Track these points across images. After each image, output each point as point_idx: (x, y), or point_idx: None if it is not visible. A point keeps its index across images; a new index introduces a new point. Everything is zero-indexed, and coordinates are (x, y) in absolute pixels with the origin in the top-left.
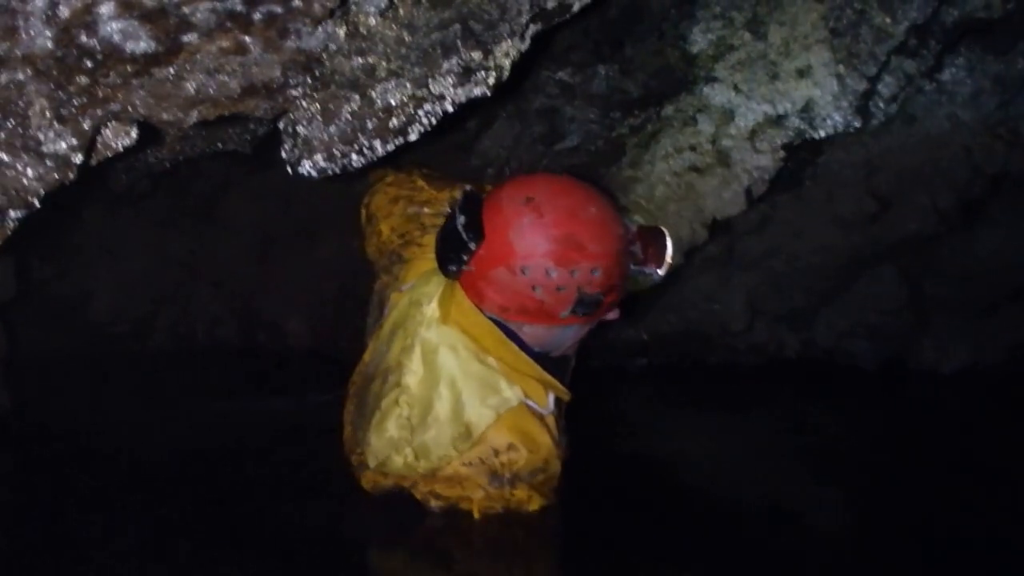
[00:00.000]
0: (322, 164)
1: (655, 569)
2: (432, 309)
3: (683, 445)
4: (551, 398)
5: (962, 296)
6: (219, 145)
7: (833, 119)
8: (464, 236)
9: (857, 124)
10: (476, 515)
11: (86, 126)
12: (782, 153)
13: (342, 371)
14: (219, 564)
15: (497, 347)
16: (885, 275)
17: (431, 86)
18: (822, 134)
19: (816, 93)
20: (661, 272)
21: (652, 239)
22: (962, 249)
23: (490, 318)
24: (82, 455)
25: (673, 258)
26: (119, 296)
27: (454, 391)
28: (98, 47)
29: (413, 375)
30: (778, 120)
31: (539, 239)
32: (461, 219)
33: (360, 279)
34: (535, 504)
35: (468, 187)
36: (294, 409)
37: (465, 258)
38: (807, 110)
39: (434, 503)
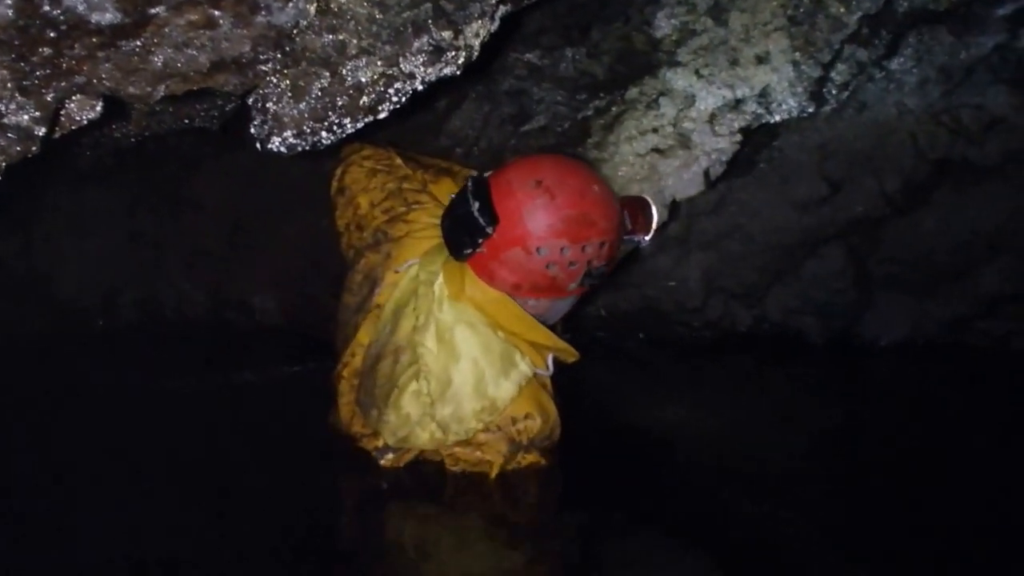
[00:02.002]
0: (292, 141)
1: (644, 526)
2: (441, 287)
3: (646, 415)
4: (550, 360)
5: (904, 275)
6: (187, 122)
7: (788, 104)
8: (481, 221)
9: (811, 109)
10: (492, 476)
11: (49, 99)
12: (739, 136)
13: (310, 346)
14: (226, 537)
15: (513, 321)
16: (833, 254)
17: (401, 64)
18: (778, 118)
19: (773, 79)
20: (647, 239)
21: (639, 208)
22: (906, 231)
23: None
24: (47, 431)
25: (657, 224)
26: (85, 272)
27: (476, 367)
28: (62, 17)
29: (429, 352)
30: (737, 104)
31: (554, 220)
32: (475, 204)
33: (330, 256)
34: (541, 465)
35: (475, 172)
36: (262, 382)
37: (480, 242)
38: (764, 95)
39: (456, 467)
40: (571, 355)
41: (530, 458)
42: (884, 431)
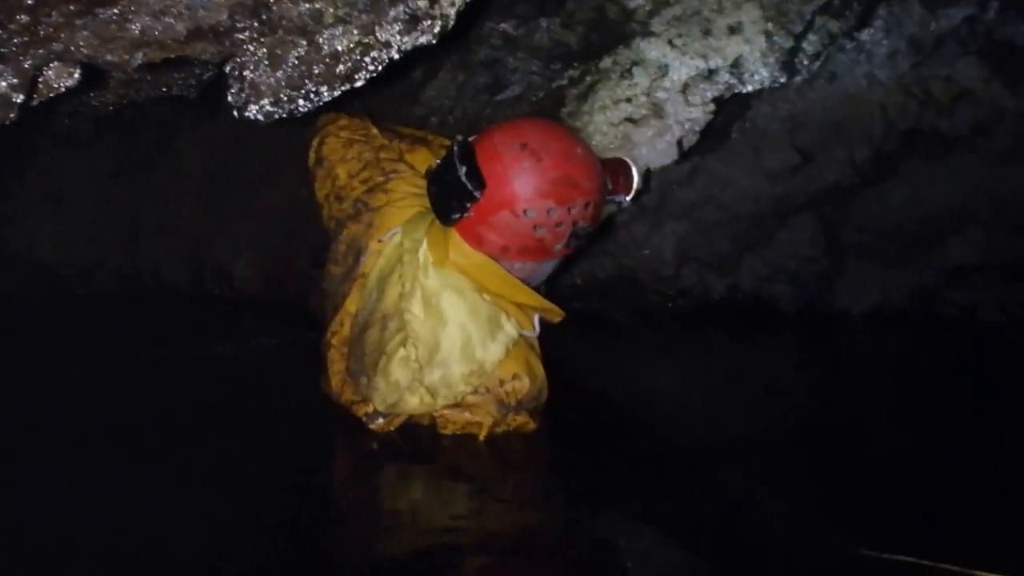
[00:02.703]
0: (269, 108)
1: (626, 492)
2: (425, 254)
3: (622, 383)
4: (536, 321)
5: (874, 244)
6: (165, 90)
7: (760, 74)
8: (468, 185)
9: (783, 80)
10: (481, 438)
11: (27, 66)
12: (712, 106)
13: (290, 317)
14: (213, 504)
15: (499, 283)
16: (805, 224)
17: (378, 33)
18: (750, 88)
19: (746, 49)
20: (628, 199)
21: (620, 169)
22: (876, 201)
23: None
24: (26, 398)
25: (639, 185)
26: (64, 240)
27: (464, 331)
28: None
29: (416, 318)
30: (709, 75)
31: (540, 182)
32: (463, 169)
33: (309, 225)
34: (530, 427)
35: (459, 137)
36: (240, 354)
37: (468, 206)
38: (737, 65)
39: (447, 430)
40: (556, 314)
41: (520, 420)
42: (854, 397)
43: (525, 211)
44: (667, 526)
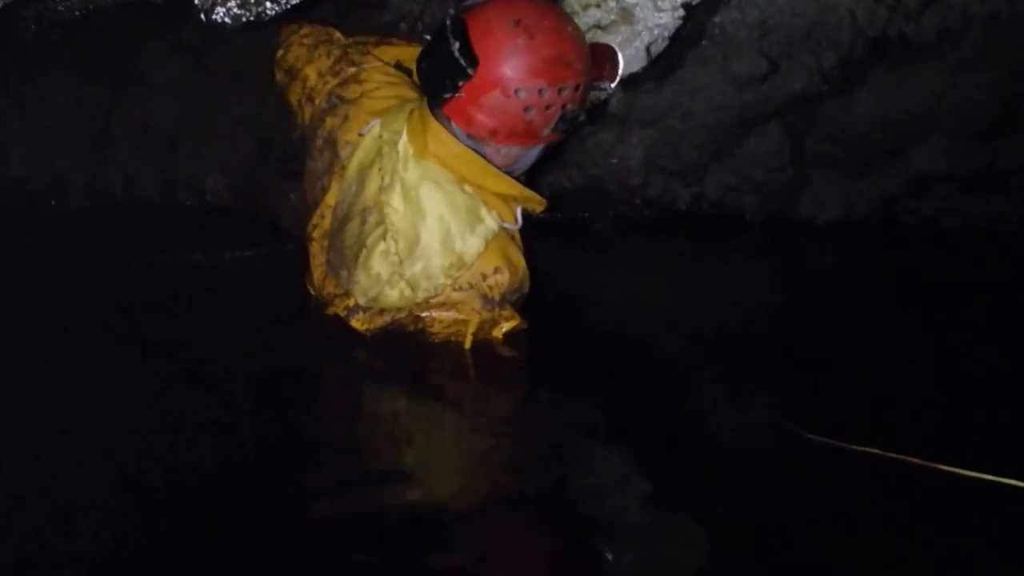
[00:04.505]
0: (236, 11)
1: (605, 400)
2: (405, 146)
3: (592, 291)
4: (519, 213)
5: (839, 154)
6: None
7: None
8: (461, 62)
9: None
10: (467, 344)
11: None
12: (682, 12)
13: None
14: (210, 407)
15: (478, 174)
16: (771, 133)
17: None
18: None
19: None
20: (613, 86)
21: (605, 55)
22: (842, 110)
23: (466, 144)
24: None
25: (622, 72)
26: (34, 153)
27: (443, 224)
28: None
29: (395, 211)
30: None
31: (534, 60)
32: (456, 44)
33: (278, 136)
34: (516, 322)
35: (451, 11)
36: (218, 263)
37: (460, 84)
38: None
39: (433, 330)
40: (539, 203)
41: (507, 315)
42: (816, 303)
43: (517, 91)
44: (643, 435)
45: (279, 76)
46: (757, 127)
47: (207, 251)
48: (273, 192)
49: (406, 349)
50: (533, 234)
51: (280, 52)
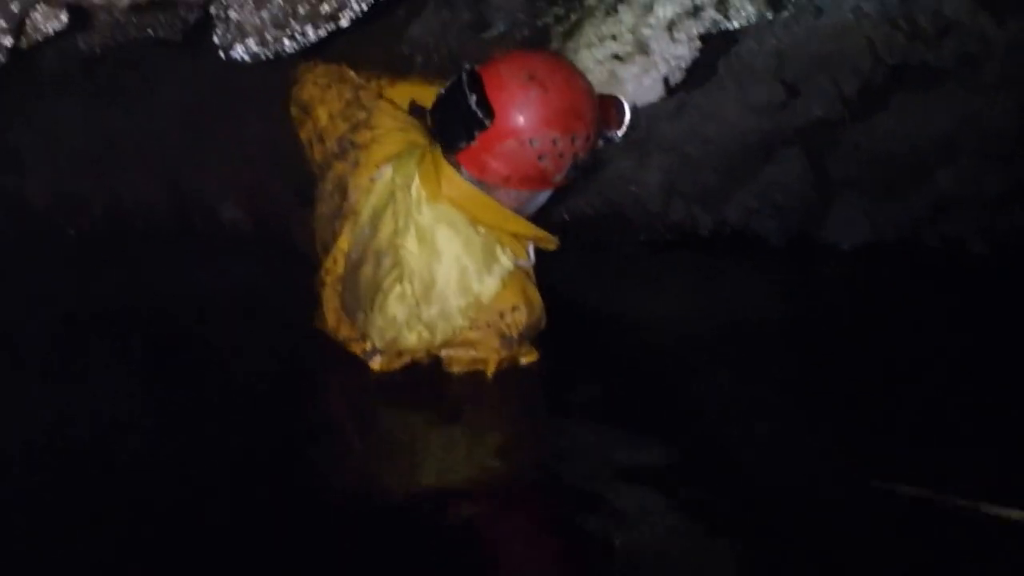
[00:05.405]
0: (255, 49)
1: (621, 415)
2: (418, 189)
3: (616, 315)
4: (531, 250)
5: (862, 178)
6: (151, 32)
7: (747, 10)
8: (479, 113)
9: (769, 16)
10: (489, 375)
11: (15, 9)
12: (698, 43)
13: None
14: (214, 439)
15: (491, 214)
16: (793, 158)
17: None
18: (736, 25)
19: None
20: (620, 134)
21: (611, 104)
22: (863, 134)
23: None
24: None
25: (629, 121)
26: (51, 178)
27: (459, 265)
28: None
29: (410, 254)
30: (695, 11)
31: (548, 112)
32: (473, 97)
33: (291, 163)
34: (533, 357)
35: (467, 65)
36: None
37: (476, 134)
38: (723, 1)
39: (452, 369)
40: (551, 242)
41: (523, 350)
42: (839, 324)
43: (531, 140)
44: (662, 452)
45: (294, 111)
46: (778, 152)
47: (223, 275)
48: (291, 216)
49: (421, 370)
50: (553, 257)
51: (295, 88)
